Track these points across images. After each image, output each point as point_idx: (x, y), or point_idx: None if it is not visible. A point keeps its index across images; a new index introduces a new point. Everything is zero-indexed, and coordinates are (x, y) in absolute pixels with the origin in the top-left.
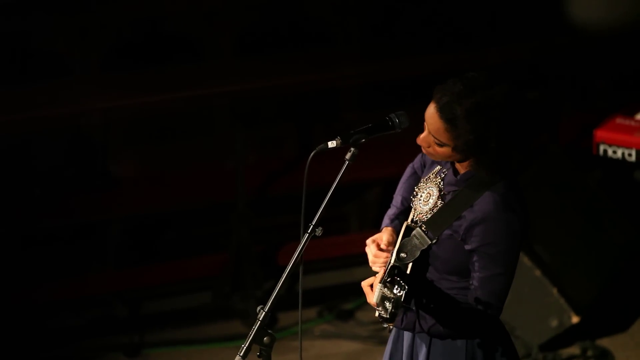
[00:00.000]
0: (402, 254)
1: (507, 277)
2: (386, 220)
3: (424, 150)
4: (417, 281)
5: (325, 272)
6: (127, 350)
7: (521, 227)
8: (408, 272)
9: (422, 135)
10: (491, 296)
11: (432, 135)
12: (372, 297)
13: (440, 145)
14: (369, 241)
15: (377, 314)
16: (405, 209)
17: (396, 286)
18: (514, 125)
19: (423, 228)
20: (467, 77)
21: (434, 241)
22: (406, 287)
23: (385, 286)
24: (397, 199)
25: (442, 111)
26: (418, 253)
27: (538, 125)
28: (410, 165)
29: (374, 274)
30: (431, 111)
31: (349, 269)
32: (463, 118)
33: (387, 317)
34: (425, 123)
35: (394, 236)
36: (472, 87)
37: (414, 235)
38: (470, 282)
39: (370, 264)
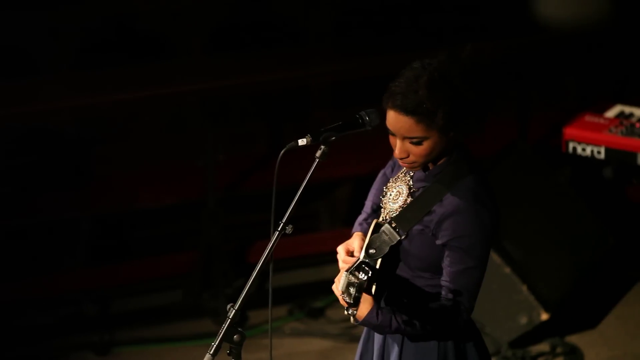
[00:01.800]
0: (371, 250)
1: (479, 271)
2: (356, 226)
3: (406, 166)
4: (388, 278)
5: (295, 270)
6: (97, 348)
7: (491, 220)
8: (377, 267)
9: (397, 150)
10: (463, 291)
11: (407, 139)
12: (338, 286)
13: (420, 142)
14: (339, 248)
15: (345, 311)
16: (376, 213)
17: (361, 272)
18: (475, 74)
19: (392, 224)
20: (408, 69)
21: (404, 237)
22: (370, 273)
23: (350, 274)
24: (367, 204)
25: (404, 109)
26: (387, 249)
27: (497, 73)
28: (382, 171)
29: None
30: (394, 117)
31: (319, 266)
32: (428, 99)
33: (351, 302)
34: (390, 137)
35: (365, 240)
36: (414, 73)
37: (383, 231)
38: (442, 278)
39: (341, 270)
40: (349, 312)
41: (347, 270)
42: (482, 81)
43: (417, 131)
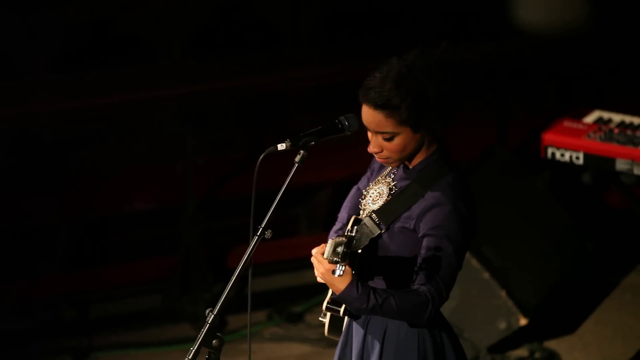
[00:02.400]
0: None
1: (455, 259)
2: (332, 233)
3: (381, 161)
4: (370, 266)
5: (274, 274)
6: (75, 353)
7: (470, 216)
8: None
9: (371, 145)
10: (438, 276)
11: (379, 134)
12: (324, 254)
13: (391, 137)
14: (314, 250)
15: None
16: None
17: (347, 232)
18: (441, 71)
19: (373, 216)
20: (384, 64)
21: (384, 230)
22: (355, 232)
23: (336, 238)
24: (342, 215)
25: (374, 103)
26: (367, 241)
27: (466, 73)
28: (355, 186)
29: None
30: (366, 112)
31: (298, 271)
32: (394, 94)
33: (339, 260)
34: (368, 133)
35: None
36: (388, 68)
37: (364, 223)
38: (419, 264)
39: (316, 273)
40: (339, 271)
41: (331, 239)
42: (447, 78)
43: (387, 126)
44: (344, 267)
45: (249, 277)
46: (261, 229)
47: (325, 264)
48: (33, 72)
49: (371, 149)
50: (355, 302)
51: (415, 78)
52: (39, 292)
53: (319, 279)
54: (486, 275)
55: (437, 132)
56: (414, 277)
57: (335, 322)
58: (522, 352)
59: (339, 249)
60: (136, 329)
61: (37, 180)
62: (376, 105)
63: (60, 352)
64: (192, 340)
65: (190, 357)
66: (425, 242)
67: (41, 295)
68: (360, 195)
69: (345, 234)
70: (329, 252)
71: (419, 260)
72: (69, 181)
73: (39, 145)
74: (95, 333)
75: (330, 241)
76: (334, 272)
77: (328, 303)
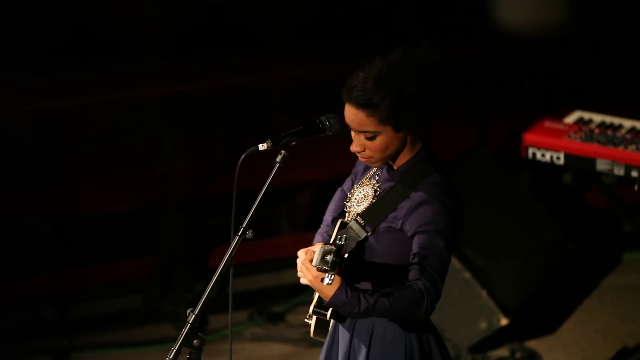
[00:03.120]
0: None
1: (446, 253)
2: (317, 237)
3: (364, 160)
4: (356, 271)
5: (255, 274)
6: (56, 354)
7: (458, 212)
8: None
9: (353, 144)
10: (431, 271)
11: (362, 133)
12: (313, 262)
13: (373, 136)
14: (300, 252)
15: (311, 309)
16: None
17: (337, 241)
18: (422, 70)
19: (359, 220)
20: (367, 64)
21: (370, 233)
22: (344, 239)
23: (324, 246)
24: (327, 218)
25: (356, 102)
26: (354, 244)
27: (447, 73)
28: (339, 188)
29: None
30: (348, 111)
31: (279, 271)
32: (375, 93)
33: (328, 269)
34: (351, 132)
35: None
36: (370, 67)
37: (350, 227)
38: (411, 260)
39: (300, 275)
40: (328, 280)
41: (319, 247)
42: (427, 77)
43: (369, 125)
44: (333, 276)
45: (230, 277)
46: (242, 229)
47: (313, 271)
48: (12, 72)
49: (354, 148)
50: (346, 307)
51: (396, 77)
52: (20, 292)
53: (303, 282)
54: (467, 275)
55: (418, 130)
56: (407, 274)
57: (322, 323)
58: (503, 352)
59: (328, 258)
60: (117, 329)
61: (18, 180)
62: (358, 104)
63: (40, 352)
64: (173, 340)
65: (171, 357)
66: (416, 239)
67: (22, 296)
68: (344, 198)
69: (334, 241)
70: (317, 260)
71: (411, 256)
72: (49, 181)
73: (19, 145)
74: (76, 333)
75: (318, 248)
76: (322, 280)
77: (315, 307)
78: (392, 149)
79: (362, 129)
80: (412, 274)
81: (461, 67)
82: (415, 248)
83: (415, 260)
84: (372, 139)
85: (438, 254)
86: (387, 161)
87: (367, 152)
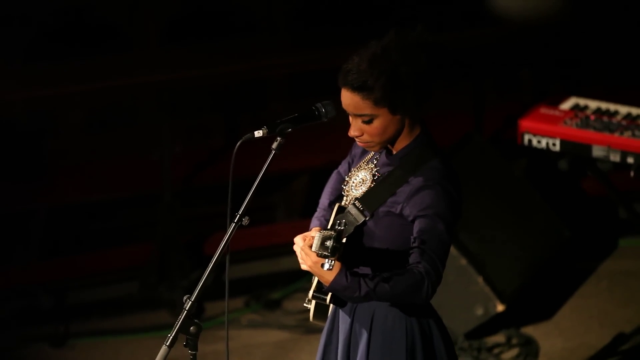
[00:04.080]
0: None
1: (446, 237)
2: (314, 221)
3: (363, 145)
4: (355, 255)
5: (252, 261)
6: (53, 341)
7: (457, 196)
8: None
9: (351, 128)
10: (432, 254)
11: (359, 117)
12: (312, 247)
13: (370, 120)
14: (297, 238)
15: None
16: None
17: (336, 226)
18: (415, 50)
19: (357, 204)
20: (363, 48)
21: (369, 217)
22: (344, 225)
23: (322, 231)
24: (323, 201)
25: (351, 86)
26: (352, 229)
27: (440, 54)
28: (336, 171)
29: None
30: (344, 95)
31: (275, 258)
32: (369, 75)
33: (328, 254)
34: (349, 118)
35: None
36: (365, 50)
37: (348, 211)
38: (411, 244)
39: (300, 261)
40: (328, 265)
41: (318, 232)
42: (420, 57)
43: (365, 108)
44: (333, 262)
45: (227, 264)
46: (238, 215)
47: (312, 257)
48: (7, 59)
49: (352, 132)
50: (346, 291)
51: (389, 58)
52: (16, 279)
53: (303, 267)
54: (463, 261)
55: (414, 112)
56: (407, 257)
57: (321, 308)
58: (499, 338)
59: (328, 243)
60: (113, 316)
61: (13, 167)
62: (353, 88)
63: (37, 339)
64: (170, 327)
65: (167, 344)
66: (416, 224)
67: (18, 283)
68: (341, 181)
69: (333, 226)
70: (316, 246)
71: (411, 240)
72: (44, 169)
73: (14, 133)
74: (73, 320)
75: (317, 234)
76: (322, 265)
77: (315, 292)
78: (389, 133)
79: (358, 113)
80: (413, 258)
81: (456, 52)
82: (415, 232)
83: (416, 244)
84: (369, 122)
85: (438, 237)
86: (385, 145)
87: (365, 137)
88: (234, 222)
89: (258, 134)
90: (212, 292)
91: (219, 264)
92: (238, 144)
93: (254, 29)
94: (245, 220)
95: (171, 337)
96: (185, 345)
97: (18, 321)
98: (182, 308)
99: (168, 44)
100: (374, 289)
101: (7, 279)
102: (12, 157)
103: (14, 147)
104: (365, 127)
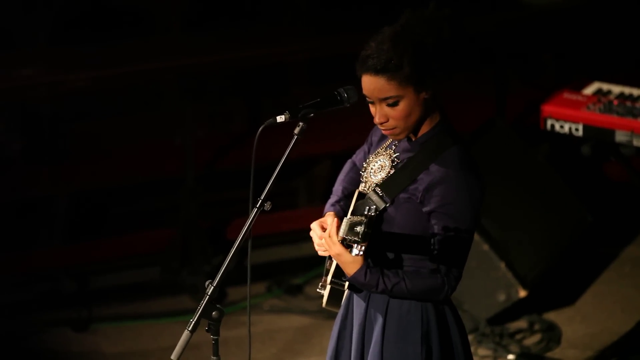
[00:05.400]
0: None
1: (466, 238)
2: (328, 206)
3: (388, 132)
4: (375, 240)
5: (274, 246)
6: (75, 325)
7: (479, 188)
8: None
9: (376, 115)
10: (451, 257)
11: (383, 102)
12: (338, 233)
13: (396, 102)
14: (313, 224)
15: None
16: (348, 196)
17: (365, 212)
18: (436, 22)
19: (377, 190)
20: (375, 34)
21: (389, 203)
22: (374, 211)
23: (351, 217)
24: (337, 188)
25: (374, 69)
26: (377, 213)
27: (460, 24)
28: (350, 160)
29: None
30: (366, 81)
31: (297, 243)
32: (394, 53)
33: (359, 240)
34: (370, 106)
35: (338, 220)
36: (382, 34)
37: (368, 197)
38: (431, 246)
39: (316, 247)
40: (358, 251)
41: (346, 217)
42: (444, 26)
43: (391, 90)
44: (363, 248)
45: (249, 249)
46: (260, 200)
47: (338, 245)
48: (31, 43)
49: (377, 119)
50: (363, 286)
51: (412, 32)
52: (39, 263)
53: (321, 254)
54: (485, 247)
55: (440, 88)
56: (426, 246)
57: (336, 294)
58: (522, 323)
59: (359, 229)
60: (135, 301)
61: (37, 152)
62: (376, 71)
63: (59, 324)
64: (192, 312)
65: (190, 329)
66: (436, 221)
67: (41, 267)
68: (355, 169)
69: (362, 212)
70: (344, 231)
71: (433, 240)
72: (68, 154)
73: (38, 117)
74: (95, 305)
75: (345, 220)
76: (351, 250)
77: (333, 277)
78: (415, 116)
79: (383, 96)
80: (433, 259)
81: (479, 38)
82: (436, 229)
83: (436, 245)
84: (394, 104)
85: (459, 239)
86: (410, 132)
87: (391, 122)
88: (256, 207)
89: (280, 119)
90: (234, 277)
91: (241, 249)
92: (260, 129)
93: (276, 14)
94: (268, 206)
95: (193, 322)
96: (207, 330)
97: (40, 305)
98: (204, 293)
99: (190, 29)
100: (391, 288)
101: (30, 263)
102: (36, 142)
103: (37, 131)
104: (390, 111)
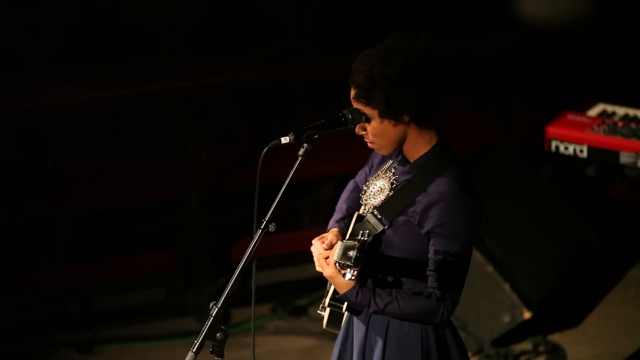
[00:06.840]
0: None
1: (463, 260)
2: (332, 223)
3: (371, 146)
4: (372, 264)
5: (278, 268)
6: (79, 346)
7: (476, 209)
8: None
9: (358, 125)
10: (448, 280)
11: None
12: (333, 256)
13: (367, 119)
14: (314, 240)
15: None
16: (352, 215)
17: (359, 236)
18: (393, 54)
19: (375, 213)
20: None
21: (387, 226)
22: (367, 236)
23: (346, 241)
24: (342, 206)
25: (350, 79)
26: (371, 238)
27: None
28: (352, 180)
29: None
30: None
31: (302, 265)
32: (357, 73)
33: (350, 264)
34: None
35: (340, 237)
36: (367, 57)
37: (367, 220)
38: (428, 268)
39: (316, 263)
40: (350, 275)
41: (341, 241)
42: (395, 62)
43: (359, 105)
44: (356, 272)
45: (253, 271)
46: (265, 222)
47: (331, 267)
48: (35, 65)
49: (357, 130)
50: (355, 305)
51: (371, 59)
52: (44, 285)
53: (318, 269)
54: (490, 268)
55: (421, 110)
56: (424, 269)
57: (335, 315)
58: (526, 345)
59: (351, 253)
60: (140, 322)
61: (40, 173)
62: (360, 100)
63: (64, 345)
64: (196, 333)
65: (194, 350)
66: (433, 242)
67: (45, 289)
68: (357, 189)
69: (356, 237)
70: (339, 255)
71: (429, 262)
72: (72, 175)
73: (42, 138)
74: (99, 326)
75: (339, 244)
76: (344, 275)
77: (331, 299)
78: (389, 137)
79: (357, 107)
80: (430, 281)
81: (483, 59)
82: (432, 251)
83: (432, 267)
84: (367, 121)
85: (456, 261)
86: (393, 150)
87: (369, 137)
88: (261, 229)
89: (285, 140)
90: (239, 298)
91: (246, 270)
92: (265, 150)
93: (281, 35)
94: (272, 227)
95: (197, 343)
96: (211, 352)
97: (45, 327)
98: (208, 314)
99: (195, 50)
100: (383, 308)
101: (35, 285)
102: (40, 162)
103: (41, 152)
104: (367, 125)
